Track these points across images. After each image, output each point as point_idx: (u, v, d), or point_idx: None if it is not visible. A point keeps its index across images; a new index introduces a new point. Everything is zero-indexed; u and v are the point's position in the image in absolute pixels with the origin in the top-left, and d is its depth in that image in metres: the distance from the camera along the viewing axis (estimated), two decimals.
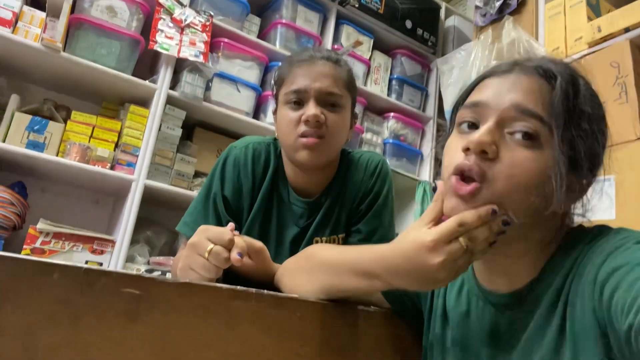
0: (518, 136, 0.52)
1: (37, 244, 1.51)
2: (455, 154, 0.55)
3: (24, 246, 1.50)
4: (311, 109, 0.90)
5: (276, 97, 1.01)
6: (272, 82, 1.04)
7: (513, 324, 0.56)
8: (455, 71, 2.19)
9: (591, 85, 0.57)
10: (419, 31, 2.56)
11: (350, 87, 0.98)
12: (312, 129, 0.90)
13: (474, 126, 0.56)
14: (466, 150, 0.53)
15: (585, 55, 1.54)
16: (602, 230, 0.53)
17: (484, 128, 0.53)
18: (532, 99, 0.53)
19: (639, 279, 0.42)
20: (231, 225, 0.72)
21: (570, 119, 0.52)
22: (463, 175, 0.52)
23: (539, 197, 0.51)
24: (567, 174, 0.51)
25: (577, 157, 0.52)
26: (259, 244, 0.80)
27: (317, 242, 0.99)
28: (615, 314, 0.43)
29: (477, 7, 2.10)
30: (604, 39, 1.50)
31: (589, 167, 0.54)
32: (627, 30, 1.44)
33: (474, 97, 0.58)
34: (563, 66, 0.56)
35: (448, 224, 0.51)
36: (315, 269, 0.69)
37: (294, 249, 0.97)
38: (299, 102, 0.93)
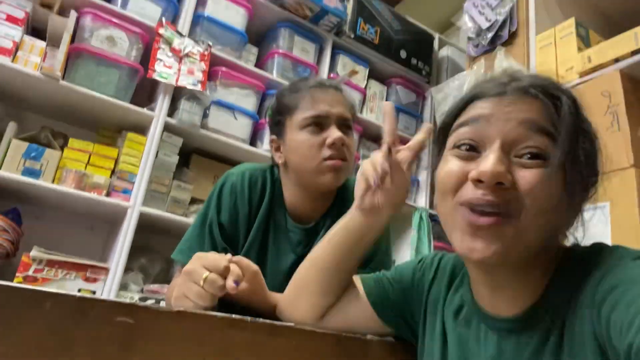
0: (526, 157, 0.49)
1: (30, 272, 1.49)
2: (456, 182, 0.52)
3: (17, 274, 1.48)
4: (336, 133, 0.95)
5: (279, 123, 1.01)
6: (272, 109, 1.05)
7: (517, 350, 0.54)
8: (449, 99, 2.23)
9: (580, 101, 0.55)
10: (414, 61, 2.61)
11: (353, 112, 1.04)
12: (337, 151, 0.94)
13: (473, 149, 0.52)
14: (477, 182, 0.50)
15: (577, 84, 1.57)
16: (598, 249, 0.52)
17: (492, 155, 0.49)
18: (537, 115, 0.50)
19: (637, 298, 0.41)
20: (229, 256, 0.72)
21: (577, 138, 0.50)
22: (474, 209, 0.50)
23: (552, 217, 0.49)
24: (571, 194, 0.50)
25: (581, 174, 0.51)
26: (254, 267, 0.79)
27: None
28: (615, 334, 0.42)
29: (469, 39, 2.15)
30: (595, 69, 1.53)
31: (588, 186, 0.53)
32: (616, 60, 1.47)
33: (471, 113, 0.54)
34: (559, 85, 0.54)
35: None
36: (310, 273, 0.72)
37: (291, 277, 0.96)
38: (319, 127, 0.96)
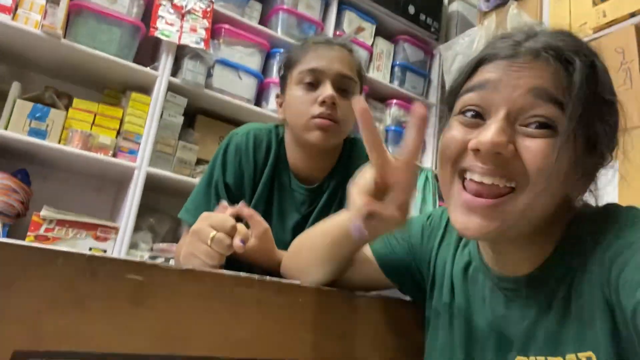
0: (533, 127, 0.47)
1: (41, 231, 1.52)
2: (457, 150, 0.51)
3: (28, 233, 1.51)
4: (328, 90, 0.91)
5: (284, 78, 1.00)
6: (280, 64, 1.03)
7: (523, 310, 0.54)
8: (458, 57, 2.18)
9: (606, 67, 0.51)
10: (422, 17, 2.53)
11: (360, 75, 1.00)
12: (327, 110, 0.91)
13: (478, 115, 0.50)
14: (476, 151, 0.48)
15: (590, 40, 1.52)
16: (611, 209, 0.51)
17: (494, 125, 0.47)
18: (548, 83, 0.47)
19: None
20: (230, 209, 0.73)
21: (589, 106, 0.47)
22: (470, 185, 0.49)
23: (560, 189, 0.48)
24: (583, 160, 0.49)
25: (593, 142, 0.49)
26: (265, 224, 0.80)
27: None
28: (624, 291, 0.43)
29: None
30: (609, 24, 1.48)
31: (602, 153, 0.51)
32: (632, 15, 1.42)
33: (478, 79, 0.51)
34: (577, 45, 0.50)
35: None
36: (314, 241, 0.70)
37: (296, 236, 0.97)
38: (313, 83, 0.93)
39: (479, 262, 0.60)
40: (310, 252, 0.70)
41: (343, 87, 0.94)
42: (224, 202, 0.77)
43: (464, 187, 0.51)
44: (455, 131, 0.52)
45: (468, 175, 0.50)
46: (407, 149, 0.49)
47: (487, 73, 0.51)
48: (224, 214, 0.74)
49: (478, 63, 0.53)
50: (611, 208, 0.51)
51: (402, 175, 0.50)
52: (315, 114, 0.91)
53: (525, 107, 0.47)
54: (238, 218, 0.76)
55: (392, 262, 0.69)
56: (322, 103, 0.91)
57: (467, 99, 0.51)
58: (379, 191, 0.51)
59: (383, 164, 0.50)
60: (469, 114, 0.51)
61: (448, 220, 0.68)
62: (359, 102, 0.48)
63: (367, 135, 0.49)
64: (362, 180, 0.52)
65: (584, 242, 0.50)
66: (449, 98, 0.57)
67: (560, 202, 0.50)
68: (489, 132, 0.47)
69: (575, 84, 0.47)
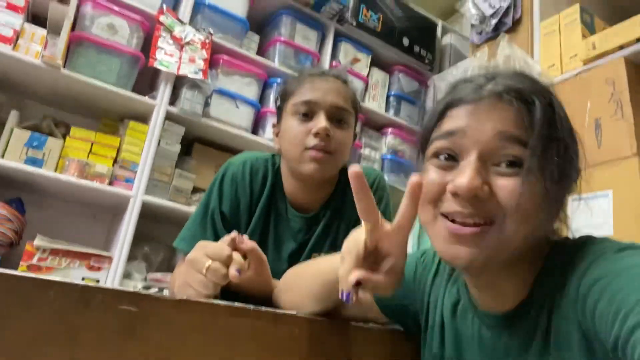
0: (503, 165, 0.50)
1: (34, 261, 1.50)
2: (436, 192, 0.53)
3: (21, 263, 1.49)
4: (322, 122, 0.91)
5: (280, 109, 1.01)
6: (277, 95, 1.05)
7: (508, 346, 0.55)
8: None
9: (561, 102, 0.55)
10: (416, 48, 2.59)
11: (355, 106, 1.00)
12: (321, 142, 0.91)
13: (451, 158, 0.53)
14: (455, 195, 0.50)
15: (580, 72, 1.56)
16: (585, 241, 0.52)
17: (469, 169, 0.50)
18: (512, 125, 0.51)
19: (621, 289, 0.42)
20: (232, 235, 0.72)
21: (551, 141, 0.50)
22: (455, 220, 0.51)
23: (535, 218, 0.50)
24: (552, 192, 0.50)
25: (559, 175, 0.51)
26: (263, 258, 0.80)
27: (315, 257, 0.99)
28: (600, 326, 0.43)
29: (472, 25, 2.13)
30: (599, 56, 1.52)
31: (568, 182, 0.54)
32: (621, 47, 1.46)
33: (447, 126, 0.54)
34: (535, 86, 0.54)
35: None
36: (308, 278, 0.69)
37: (293, 265, 0.96)
38: (307, 115, 0.94)
39: (467, 299, 0.61)
40: (304, 289, 0.70)
41: (337, 117, 0.95)
42: (233, 233, 0.76)
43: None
44: (432, 174, 0.54)
45: (450, 217, 0.52)
46: (401, 217, 0.51)
47: (455, 119, 0.54)
48: (222, 243, 0.74)
49: (445, 107, 0.56)
50: (585, 240, 0.53)
51: (394, 241, 0.52)
52: (310, 145, 0.91)
53: (494, 149, 0.50)
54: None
55: (391, 304, 0.70)
56: (316, 135, 0.91)
57: (439, 145, 0.54)
58: (370, 254, 0.52)
59: (375, 229, 0.51)
60: (443, 157, 0.54)
61: (440, 259, 0.69)
62: (353, 167, 0.50)
63: (360, 199, 0.51)
64: (353, 244, 0.52)
65: (560, 276, 0.51)
66: (422, 140, 0.59)
67: (537, 234, 0.52)
68: (465, 177, 0.49)
69: (537, 121, 0.50)
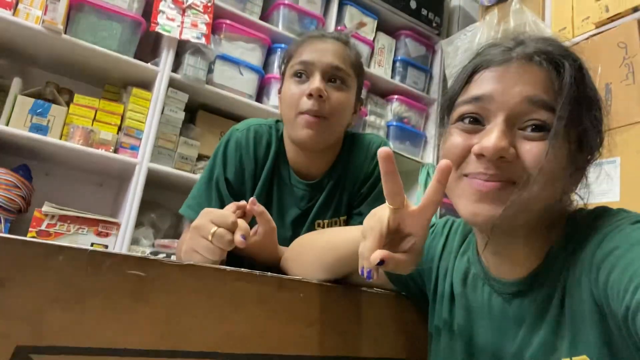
0: (529, 130, 0.50)
1: (43, 227, 1.53)
2: (460, 155, 0.53)
3: (30, 229, 1.51)
4: (315, 82, 0.89)
5: (283, 74, 1.00)
6: (281, 61, 1.03)
7: (520, 313, 0.55)
8: (460, 53, 2.17)
9: (588, 70, 0.55)
10: (424, 11, 2.52)
11: (357, 69, 0.97)
12: (315, 106, 0.88)
13: (476, 121, 0.53)
14: (480, 156, 0.50)
15: (592, 35, 1.52)
16: (600, 213, 0.53)
17: (496, 131, 0.50)
18: (541, 88, 0.50)
19: (634, 260, 0.42)
20: (240, 203, 0.73)
21: (579, 106, 0.50)
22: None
23: (557, 183, 0.50)
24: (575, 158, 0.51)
25: (584, 140, 0.52)
26: (272, 224, 0.80)
27: (318, 224, 0.99)
28: (612, 296, 0.43)
29: None
30: (612, 19, 1.47)
31: (592, 149, 0.54)
32: (635, 9, 1.41)
33: (474, 91, 0.54)
34: (565, 50, 0.54)
35: None
36: (319, 249, 0.70)
37: (296, 231, 0.97)
38: (304, 75, 0.92)
39: (479, 267, 0.61)
40: (315, 260, 0.70)
41: (335, 78, 0.92)
42: (241, 202, 0.77)
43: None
44: (457, 137, 0.54)
45: (473, 177, 0.52)
46: (427, 199, 0.51)
47: (483, 83, 0.53)
48: (227, 209, 0.74)
49: (473, 71, 0.55)
50: (601, 211, 0.53)
51: (417, 222, 0.52)
52: (303, 109, 0.89)
53: (521, 113, 0.50)
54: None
55: (399, 274, 0.70)
56: (309, 96, 0.89)
57: (465, 109, 0.54)
58: (391, 233, 0.52)
59: (400, 211, 0.51)
60: (467, 120, 0.54)
61: (450, 229, 0.70)
62: (384, 149, 0.49)
63: (387, 181, 0.50)
64: (376, 222, 0.52)
65: (575, 246, 0.51)
66: (446, 105, 0.59)
67: (557, 200, 0.52)
68: (492, 138, 0.49)
69: (566, 85, 0.50)
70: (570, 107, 0.49)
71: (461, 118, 0.54)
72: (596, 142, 0.54)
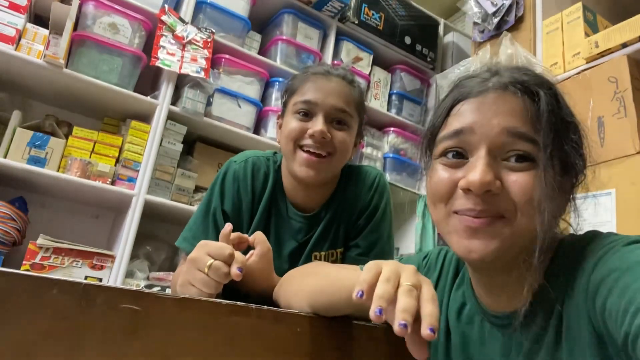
0: (513, 160, 0.50)
1: (37, 260, 1.51)
2: (447, 191, 0.53)
3: (24, 262, 1.49)
4: (318, 124, 0.90)
5: (284, 105, 1.01)
6: (283, 90, 1.04)
7: (520, 345, 0.55)
8: None
9: (562, 93, 0.55)
10: (418, 47, 2.58)
11: (360, 108, 0.98)
12: (316, 144, 0.90)
13: (460, 155, 0.53)
14: (467, 190, 0.50)
15: (583, 70, 1.55)
16: (591, 237, 0.52)
17: (480, 164, 0.50)
18: (518, 119, 0.51)
19: (631, 284, 0.42)
20: (234, 234, 0.72)
21: (557, 132, 0.51)
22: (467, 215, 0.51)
23: (548, 215, 0.50)
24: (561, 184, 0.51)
25: (567, 165, 0.52)
26: (268, 245, 0.80)
27: (315, 256, 0.99)
28: (610, 321, 0.43)
29: (475, 24, 2.12)
30: (602, 54, 1.51)
31: (577, 173, 0.54)
32: (624, 45, 1.45)
33: (455, 125, 0.54)
34: (540, 79, 0.54)
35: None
36: (312, 284, 0.68)
37: (293, 264, 0.97)
38: (307, 114, 0.93)
39: (474, 302, 0.60)
40: (311, 294, 0.67)
41: (338, 119, 0.93)
42: (230, 225, 0.76)
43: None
44: (442, 173, 0.54)
45: (462, 214, 0.52)
46: None
47: (462, 116, 0.54)
48: (224, 240, 0.74)
49: (451, 104, 0.56)
50: (591, 235, 0.53)
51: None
52: (304, 144, 0.91)
53: (502, 144, 0.51)
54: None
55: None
56: (312, 136, 0.90)
57: (447, 144, 0.54)
58: None
59: None
60: (451, 154, 0.54)
61: (444, 261, 0.69)
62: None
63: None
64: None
65: (570, 272, 0.51)
66: (427, 138, 0.59)
67: (547, 227, 0.51)
68: (477, 172, 0.49)
69: (543, 114, 0.50)
70: (551, 134, 0.50)
71: (444, 153, 0.55)
72: (580, 165, 0.54)
